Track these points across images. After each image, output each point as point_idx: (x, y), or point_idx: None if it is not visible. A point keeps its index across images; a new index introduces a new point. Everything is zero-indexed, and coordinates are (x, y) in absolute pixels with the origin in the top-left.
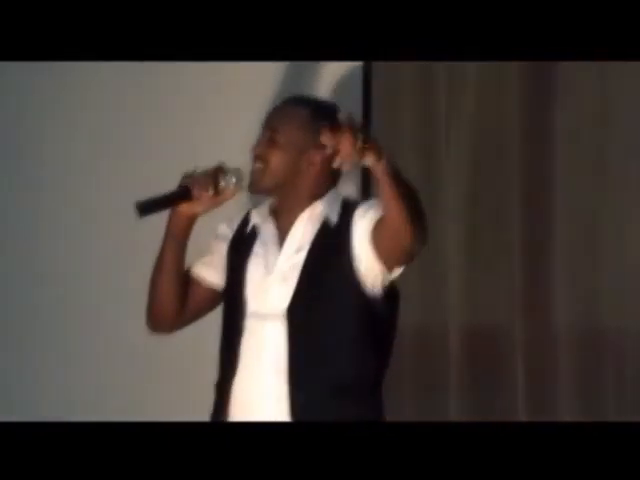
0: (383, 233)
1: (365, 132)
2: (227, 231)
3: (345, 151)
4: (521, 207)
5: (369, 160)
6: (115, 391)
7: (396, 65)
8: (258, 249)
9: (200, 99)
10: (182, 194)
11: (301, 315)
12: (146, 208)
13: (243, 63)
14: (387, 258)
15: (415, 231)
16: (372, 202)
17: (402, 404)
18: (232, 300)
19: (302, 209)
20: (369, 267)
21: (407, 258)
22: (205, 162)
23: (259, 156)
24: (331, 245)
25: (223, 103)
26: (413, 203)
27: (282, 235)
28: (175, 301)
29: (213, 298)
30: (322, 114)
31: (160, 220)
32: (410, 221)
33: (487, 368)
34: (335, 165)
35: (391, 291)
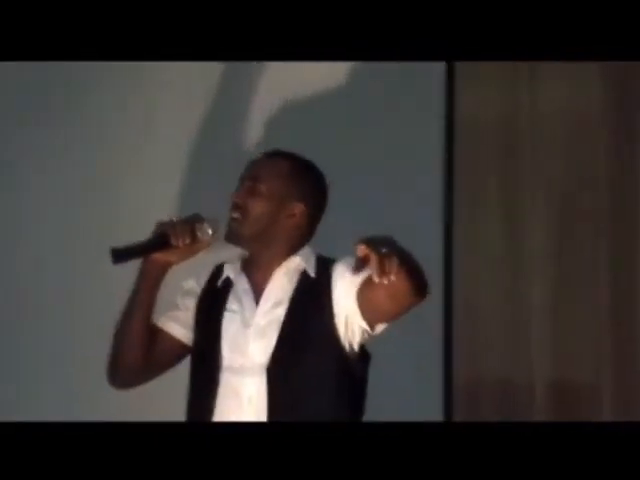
0: (377, 295)
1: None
2: (195, 287)
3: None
4: (607, 257)
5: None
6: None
7: (479, 64)
8: (232, 303)
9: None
10: (160, 243)
11: (281, 370)
12: (122, 255)
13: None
14: (377, 317)
15: (419, 291)
16: (350, 260)
17: None
18: (205, 355)
19: (278, 263)
20: (351, 325)
21: (403, 314)
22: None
23: (239, 205)
24: (311, 301)
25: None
26: (413, 268)
27: (257, 289)
28: (142, 352)
29: (180, 352)
30: (302, 167)
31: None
32: (413, 286)
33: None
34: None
35: (364, 351)
